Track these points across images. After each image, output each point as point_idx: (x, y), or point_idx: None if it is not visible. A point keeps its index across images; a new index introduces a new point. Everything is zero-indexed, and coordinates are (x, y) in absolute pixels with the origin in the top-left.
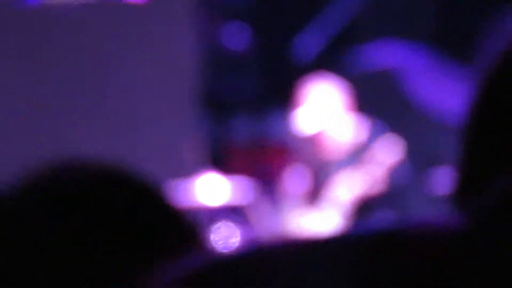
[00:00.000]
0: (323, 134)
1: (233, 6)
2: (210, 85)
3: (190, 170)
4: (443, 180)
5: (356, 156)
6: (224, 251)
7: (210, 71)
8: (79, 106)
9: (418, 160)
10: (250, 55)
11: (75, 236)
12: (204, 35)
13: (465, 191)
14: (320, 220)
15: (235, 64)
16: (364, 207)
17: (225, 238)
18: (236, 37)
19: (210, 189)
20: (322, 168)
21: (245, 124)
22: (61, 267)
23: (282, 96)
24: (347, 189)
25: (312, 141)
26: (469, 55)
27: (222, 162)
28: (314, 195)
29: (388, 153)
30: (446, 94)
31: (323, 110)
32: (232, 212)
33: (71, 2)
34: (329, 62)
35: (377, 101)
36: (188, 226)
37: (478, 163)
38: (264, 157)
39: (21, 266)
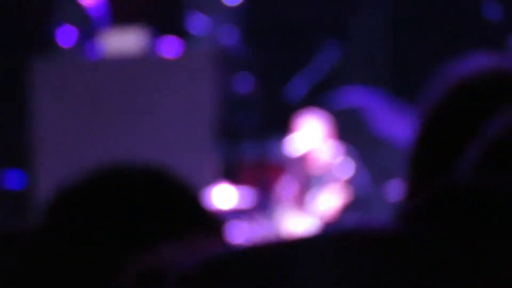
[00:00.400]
0: (309, 155)
1: (241, 61)
2: (224, 119)
3: (209, 182)
4: (396, 190)
5: (333, 173)
6: (236, 244)
7: (225, 109)
8: (129, 133)
9: (378, 175)
10: (254, 97)
11: (125, 224)
12: (221, 82)
13: (410, 198)
14: (304, 220)
15: (243, 103)
16: (339, 212)
17: (236, 234)
18: (244, 83)
19: (224, 196)
20: (308, 181)
21: (250, 148)
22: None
23: (279, 127)
24: (326, 199)
25: (301, 160)
26: (415, 98)
27: (233, 176)
28: (301, 201)
29: (356, 170)
30: (399, 125)
31: (310, 137)
32: (240, 214)
33: (123, 56)
34: (314, 101)
35: (349, 131)
36: (215, 221)
37: (420, 177)
38: (265, 172)
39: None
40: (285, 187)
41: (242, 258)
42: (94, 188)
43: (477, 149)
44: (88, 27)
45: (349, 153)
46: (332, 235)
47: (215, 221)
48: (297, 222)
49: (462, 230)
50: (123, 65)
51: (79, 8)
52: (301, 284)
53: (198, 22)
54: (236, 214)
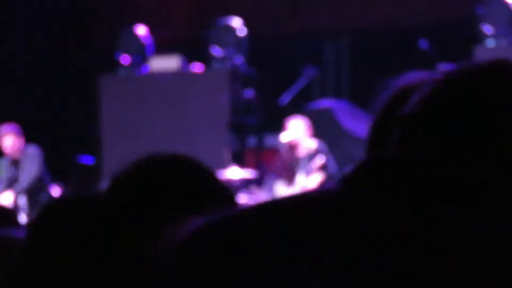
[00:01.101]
0: (294, 144)
1: (247, 77)
2: (235, 119)
3: (224, 164)
4: None
5: (311, 157)
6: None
7: (235, 111)
8: (168, 128)
9: (343, 158)
10: (256, 103)
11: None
12: (232, 92)
13: None
14: (291, 191)
15: (248, 108)
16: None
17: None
18: (248, 93)
19: (233, 173)
20: (294, 161)
21: (253, 139)
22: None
23: (274, 125)
24: (306, 176)
25: (288, 147)
26: (370, 104)
27: (240, 160)
28: (289, 177)
29: (327, 157)
30: (359, 122)
31: (295, 132)
32: (245, 186)
33: (164, 72)
34: (298, 107)
35: (323, 124)
36: (228, 191)
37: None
38: (263, 156)
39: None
40: (278, 167)
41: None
42: (139, 175)
43: (397, 122)
44: (140, 52)
45: (322, 145)
46: (292, 200)
47: (230, 194)
48: (286, 192)
49: (385, 189)
50: (164, 78)
51: (135, 39)
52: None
53: (216, 51)
54: (242, 186)
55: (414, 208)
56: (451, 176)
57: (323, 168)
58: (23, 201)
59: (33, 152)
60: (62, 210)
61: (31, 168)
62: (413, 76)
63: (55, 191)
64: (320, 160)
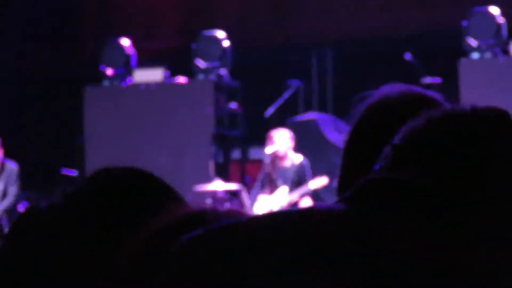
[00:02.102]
0: (278, 155)
1: (231, 90)
2: (218, 131)
3: (208, 176)
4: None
5: (296, 170)
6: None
7: (219, 123)
8: (150, 140)
9: (326, 170)
10: (241, 115)
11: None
12: (216, 104)
13: (343, 183)
14: (274, 200)
15: (232, 120)
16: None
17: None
18: (232, 106)
19: (219, 186)
20: (277, 171)
21: (237, 152)
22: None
23: (257, 138)
24: (289, 188)
25: (272, 158)
26: (350, 115)
27: (225, 172)
28: (271, 189)
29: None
30: (343, 135)
31: (278, 144)
32: (230, 198)
33: (148, 83)
34: (282, 120)
35: (306, 135)
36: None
37: (350, 167)
38: (248, 168)
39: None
40: (261, 178)
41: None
42: (94, 186)
43: (389, 150)
44: (125, 64)
45: (305, 159)
46: (292, 213)
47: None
48: (270, 202)
49: (383, 208)
50: (148, 90)
51: (119, 50)
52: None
53: (201, 62)
54: (226, 198)
55: (416, 226)
56: (443, 198)
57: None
58: (4, 220)
59: (15, 169)
60: (35, 218)
61: (14, 190)
62: (389, 89)
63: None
64: (308, 185)
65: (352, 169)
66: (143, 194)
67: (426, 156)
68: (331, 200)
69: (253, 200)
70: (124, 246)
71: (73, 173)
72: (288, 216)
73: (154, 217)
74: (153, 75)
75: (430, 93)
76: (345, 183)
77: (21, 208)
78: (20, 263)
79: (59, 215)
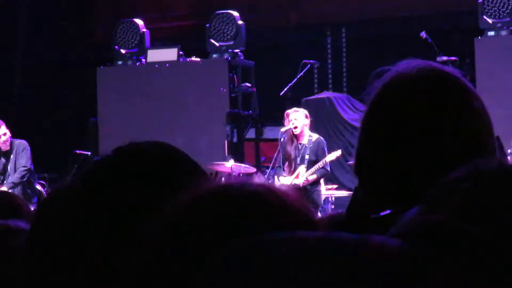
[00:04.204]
0: (294, 134)
1: (246, 69)
2: (233, 111)
3: (223, 156)
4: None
5: (312, 149)
6: None
7: (234, 102)
8: (164, 120)
9: (338, 143)
10: (255, 95)
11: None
12: (231, 83)
13: (359, 168)
14: (292, 180)
15: (248, 100)
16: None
17: None
18: (249, 86)
19: (234, 165)
20: (294, 153)
21: (252, 131)
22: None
23: (274, 117)
24: (306, 167)
25: (288, 138)
26: (366, 91)
27: (239, 152)
28: (289, 169)
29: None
30: (358, 114)
31: (295, 121)
32: (245, 178)
33: (163, 61)
34: (297, 99)
35: (321, 113)
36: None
37: (367, 151)
38: (263, 148)
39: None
40: (278, 158)
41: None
42: (118, 158)
43: (454, 193)
44: (138, 44)
45: (321, 138)
46: (343, 240)
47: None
48: (288, 182)
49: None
50: (161, 69)
51: (132, 30)
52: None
53: (214, 42)
54: (242, 178)
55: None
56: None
57: (323, 167)
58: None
59: (23, 146)
60: (63, 198)
61: (23, 162)
62: (406, 64)
63: (42, 184)
64: (321, 161)
65: (368, 149)
66: (172, 168)
67: (482, 211)
68: (345, 179)
69: (270, 179)
70: (153, 221)
71: (87, 153)
72: (344, 244)
73: (182, 191)
74: (167, 54)
75: (448, 69)
76: (361, 163)
77: (38, 186)
78: (49, 247)
79: (85, 194)
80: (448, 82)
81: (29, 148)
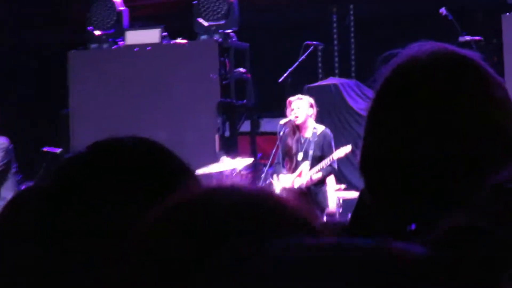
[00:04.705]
0: (297, 126)
1: (240, 52)
2: (226, 100)
3: (214, 152)
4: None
5: (317, 143)
6: None
7: (226, 91)
8: (146, 112)
9: (349, 140)
10: (251, 82)
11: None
12: (223, 68)
13: (365, 162)
14: (294, 179)
15: (242, 87)
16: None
17: None
18: (241, 71)
19: (228, 161)
20: (296, 148)
21: (247, 123)
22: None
23: (272, 107)
24: (310, 164)
25: (290, 131)
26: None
27: (233, 147)
28: (291, 166)
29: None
30: (364, 100)
31: (298, 112)
32: (239, 176)
33: (142, 45)
34: (299, 86)
35: (324, 103)
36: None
37: (374, 144)
38: (260, 143)
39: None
40: (278, 153)
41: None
42: (95, 154)
43: (493, 196)
44: (115, 24)
45: (328, 130)
46: (359, 247)
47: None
48: (288, 183)
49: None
50: (142, 53)
51: (109, 9)
52: None
53: (203, 22)
54: (236, 176)
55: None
56: None
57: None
58: None
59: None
60: (26, 201)
61: None
62: (418, 47)
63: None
64: (327, 159)
65: (375, 141)
66: (156, 167)
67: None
68: (354, 178)
69: (268, 178)
70: (134, 227)
71: (57, 150)
72: (362, 251)
73: (166, 193)
74: (148, 36)
75: (466, 52)
76: (367, 155)
77: (16, 181)
78: (10, 251)
79: (55, 193)
80: (465, 67)
81: (4, 146)
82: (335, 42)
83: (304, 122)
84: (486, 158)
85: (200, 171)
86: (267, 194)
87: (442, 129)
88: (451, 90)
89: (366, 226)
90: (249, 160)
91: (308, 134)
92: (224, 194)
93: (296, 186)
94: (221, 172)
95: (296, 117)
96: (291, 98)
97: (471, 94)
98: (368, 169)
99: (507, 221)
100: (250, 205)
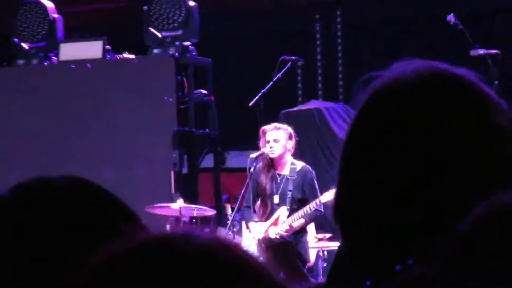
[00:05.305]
0: (270, 159)
1: (201, 70)
2: (183, 127)
3: (168, 193)
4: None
5: (297, 183)
6: None
7: (183, 119)
8: (83, 142)
9: (332, 172)
10: (215, 106)
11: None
12: (180, 89)
13: (339, 212)
14: (267, 228)
15: (204, 113)
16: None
17: None
18: (203, 92)
19: (182, 206)
20: (271, 189)
21: (210, 158)
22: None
23: (241, 137)
24: (288, 208)
25: (263, 167)
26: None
27: (193, 187)
28: (263, 212)
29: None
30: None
31: (274, 144)
32: (198, 224)
33: (82, 59)
34: (275, 112)
35: (304, 132)
36: (132, 215)
37: (348, 187)
38: (226, 182)
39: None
40: (247, 195)
41: None
42: (17, 199)
43: (450, 240)
44: (47, 35)
45: (308, 168)
46: None
47: (135, 219)
48: (259, 231)
49: None
50: (80, 70)
51: (39, 17)
52: None
53: (156, 32)
54: (193, 222)
55: None
56: None
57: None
58: None
59: None
60: None
61: None
62: (402, 67)
63: None
64: (312, 203)
65: (350, 183)
66: (93, 214)
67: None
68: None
69: (235, 226)
70: (65, 277)
71: None
72: None
73: (104, 244)
74: (88, 50)
75: (460, 71)
76: (342, 203)
77: None
78: None
79: None
80: (459, 91)
81: None
82: (318, 56)
83: (281, 157)
84: (480, 198)
85: (150, 214)
86: (226, 246)
87: (428, 167)
88: (440, 118)
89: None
90: (211, 204)
91: (285, 171)
92: (175, 244)
93: (271, 237)
94: (176, 218)
95: (272, 151)
96: (266, 127)
97: (465, 123)
98: (345, 222)
99: (461, 264)
100: (204, 258)
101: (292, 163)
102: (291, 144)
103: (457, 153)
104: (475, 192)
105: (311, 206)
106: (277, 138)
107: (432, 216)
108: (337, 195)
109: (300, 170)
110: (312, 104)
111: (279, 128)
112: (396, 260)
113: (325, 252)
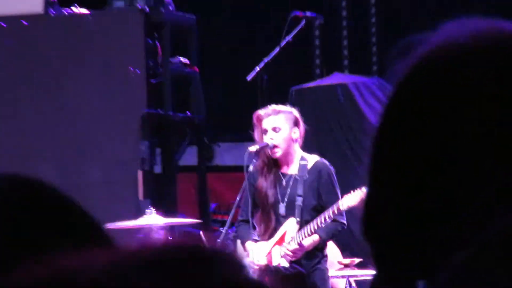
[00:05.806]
0: (272, 153)
1: (180, 31)
2: (157, 111)
3: (135, 198)
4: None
5: (305, 176)
6: None
7: (156, 98)
8: (29, 129)
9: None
10: (198, 81)
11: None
12: (152, 56)
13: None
14: (271, 246)
15: (185, 91)
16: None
17: None
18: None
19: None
20: (274, 188)
21: (192, 151)
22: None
23: (233, 124)
24: (298, 219)
25: (263, 165)
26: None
27: (167, 192)
28: (265, 225)
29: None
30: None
31: (278, 133)
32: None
33: (18, 15)
34: (280, 89)
35: (323, 116)
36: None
37: (381, 187)
38: (213, 183)
39: None
40: (241, 203)
41: None
42: None
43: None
44: None
45: (324, 162)
46: None
47: (99, 228)
48: (260, 253)
49: None
50: (16, 29)
51: None
52: None
53: None
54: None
55: None
56: None
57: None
58: None
59: None
60: None
61: None
62: (455, 28)
63: None
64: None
65: (384, 187)
66: (37, 216)
67: None
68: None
69: (228, 247)
70: None
71: None
72: None
73: (60, 253)
74: (24, 2)
75: None
76: (374, 213)
77: None
78: None
79: None
80: None
81: None
82: (344, 13)
83: (286, 151)
84: None
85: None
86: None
87: (442, 154)
88: (503, 94)
89: None
90: (195, 216)
91: (292, 169)
92: (146, 260)
93: (275, 263)
94: (144, 235)
95: (275, 146)
96: (260, 112)
97: (483, 111)
98: (375, 233)
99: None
100: (187, 275)
101: (302, 158)
102: (298, 133)
103: (471, 141)
104: (489, 182)
105: (328, 215)
106: (278, 126)
107: (444, 204)
108: (368, 200)
109: (313, 166)
110: (334, 78)
111: (278, 112)
112: None
113: (353, 283)
